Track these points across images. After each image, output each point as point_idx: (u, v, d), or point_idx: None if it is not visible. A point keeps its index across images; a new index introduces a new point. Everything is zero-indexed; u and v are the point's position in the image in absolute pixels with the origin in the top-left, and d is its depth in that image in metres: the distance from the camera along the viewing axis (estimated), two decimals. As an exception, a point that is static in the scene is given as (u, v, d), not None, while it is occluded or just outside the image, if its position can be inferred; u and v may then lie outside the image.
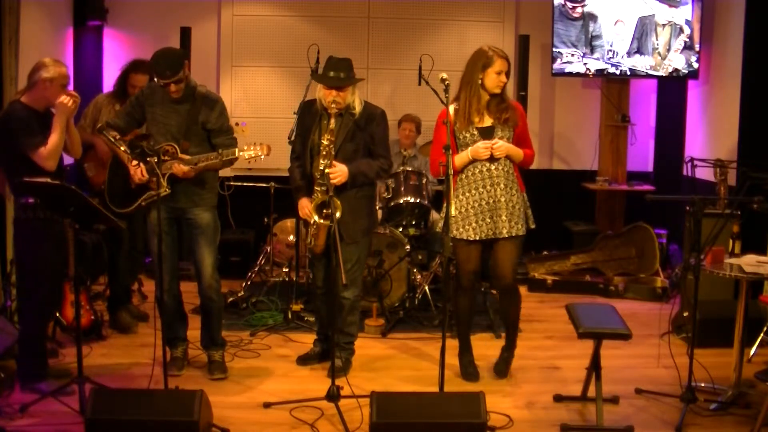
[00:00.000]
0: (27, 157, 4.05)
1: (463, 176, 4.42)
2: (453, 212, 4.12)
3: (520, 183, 4.46)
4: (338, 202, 4.15)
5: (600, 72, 7.03)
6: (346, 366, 4.63)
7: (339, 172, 4.30)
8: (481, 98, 4.35)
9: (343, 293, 4.53)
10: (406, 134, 6.62)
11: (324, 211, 4.30)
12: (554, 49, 6.98)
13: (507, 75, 4.36)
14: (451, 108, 4.37)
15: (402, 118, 6.72)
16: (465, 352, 4.66)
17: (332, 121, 4.28)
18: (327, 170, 4.23)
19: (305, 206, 4.45)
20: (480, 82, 4.32)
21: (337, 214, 4.09)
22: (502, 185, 4.35)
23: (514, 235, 4.38)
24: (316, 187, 4.37)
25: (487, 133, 4.35)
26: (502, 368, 4.65)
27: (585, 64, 7.01)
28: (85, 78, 6.71)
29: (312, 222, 4.38)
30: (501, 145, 4.32)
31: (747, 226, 4.91)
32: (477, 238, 4.38)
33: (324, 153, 4.30)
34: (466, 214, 4.40)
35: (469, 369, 4.61)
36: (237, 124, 6.11)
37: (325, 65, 4.47)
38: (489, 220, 4.37)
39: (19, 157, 4.06)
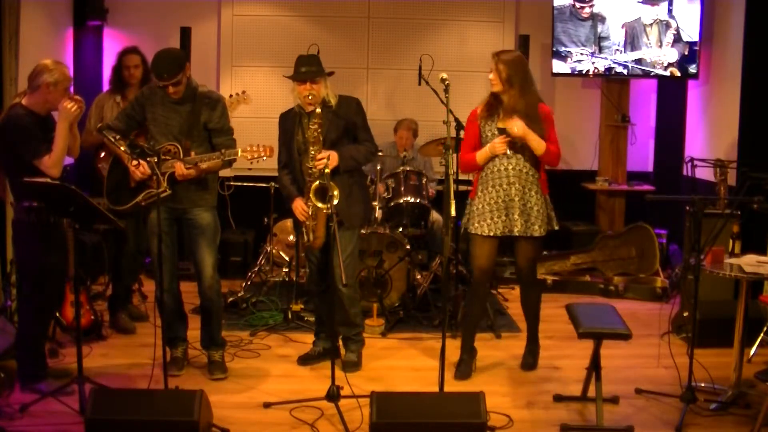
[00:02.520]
0: (30, 164, 4.03)
1: (483, 174, 4.53)
2: (453, 212, 4.12)
3: (543, 185, 4.54)
4: (334, 185, 4.15)
5: (608, 71, 7.02)
6: (359, 359, 4.72)
7: (330, 157, 4.31)
8: (501, 99, 4.44)
9: (339, 286, 4.48)
10: (402, 142, 6.63)
11: (320, 203, 4.33)
12: (564, 48, 6.97)
13: (505, 74, 4.37)
14: (480, 107, 4.53)
15: (397, 125, 6.73)
16: (462, 350, 4.66)
17: (318, 108, 4.34)
18: (316, 159, 4.32)
19: (299, 205, 4.48)
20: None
21: (335, 193, 4.12)
22: (517, 185, 4.43)
23: (528, 235, 4.48)
24: (308, 178, 4.41)
25: (504, 133, 4.44)
26: (530, 361, 4.79)
27: (593, 63, 7.01)
28: (85, 78, 6.70)
29: (310, 213, 4.40)
30: (520, 124, 4.35)
31: (747, 226, 4.91)
32: (491, 234, 4.46)
33: (312, 140, 4.37)
34: (482, 210, 4.49)
35: (460, 367, 4.61)
36: (243, 91, 6.11)
37: (295, 64, 4.55)
38: (505, 218, 4.45)
39: (22, 163, 4.03)
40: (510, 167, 4.44)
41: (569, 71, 7.04)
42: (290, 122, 4.59)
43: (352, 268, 4.65)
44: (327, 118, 4.44)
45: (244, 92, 6.10)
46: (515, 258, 4.65)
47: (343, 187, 4.39)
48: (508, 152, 4.43)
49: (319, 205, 4.34)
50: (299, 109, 4.54)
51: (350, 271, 4.60)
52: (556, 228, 4.65)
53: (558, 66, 7.05)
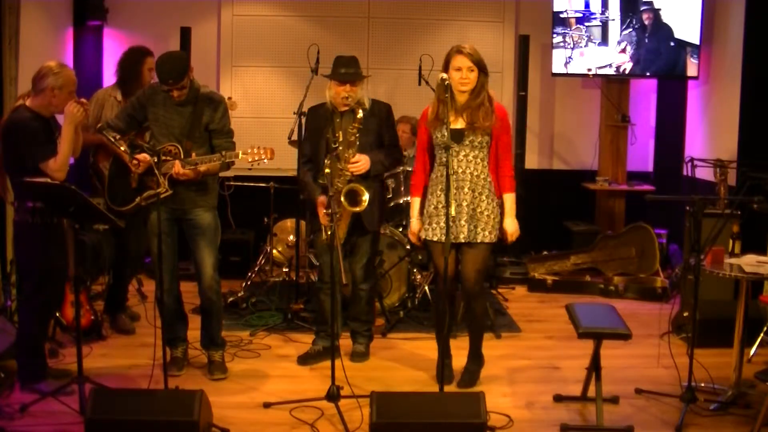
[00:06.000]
0: (34, 166, 4.01)
1: (434, 176, 4.33)
2: (453, 212, 4.10)
3: (496, 189, 4.31)
4: (365, 189, 4.35)
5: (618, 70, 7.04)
6: (367, 350, 4.89)
7: (363, 161, 4.47)
8: (455, 98, 4.21)
9: (360, 285, 4.79)
10: (399, 135, 6.62)
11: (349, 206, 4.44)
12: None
13: (481, 71, 4.20)
14: (430, 107, 4.32)
15: (397, 120, 6.72)
16: (440, 355, 4.37)
17: (359, 111, 4.41)
18: (350, 162, 4.43)
19: (324, 203, 4.50)
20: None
21: (365, 197, 4.29)
22: (466, 189, 4.22)
23: (478, 241, 4.23)
24: (337, 180, 4.45)
25: (456, 136, 4.20)
26: (467, 380, 4.46)
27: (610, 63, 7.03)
28: (85, 78, 6.68)
29: (337, 215, 4.38)
30: (513, 228, 4.31)
31: (747, 226, 4.91)
32: (435, 239, 4.27)
33: (348, 143, 4.45)
34: (429, 214, 4.31)
35: (444, 371, 4.35)
36: (229, 97, 6.05)
37: (334, 63, 4.61)
38: (450, 223, 4.12)
39: (27, 166, 4.01)
40: (460, 171, 4.22)
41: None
42: (321, 118, 4.63)
43: (372, 268, 4.86)
44: (362, 121, 4.50)
45: (230, 98, 6.03)
46: (461, 264, 4.33)
47: (367, 190, 4.48)
48: (456, 147, 4.21)
49: (350, 209, 4.44)
50: (332, 107, 4.58)
51: (370, 272, 4.84)
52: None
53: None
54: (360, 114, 4.40)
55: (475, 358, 4.53)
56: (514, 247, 7.09)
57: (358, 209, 4.45)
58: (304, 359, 4.82)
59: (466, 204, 4.23)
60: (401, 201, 5.92)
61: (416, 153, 4.47)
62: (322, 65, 5.70)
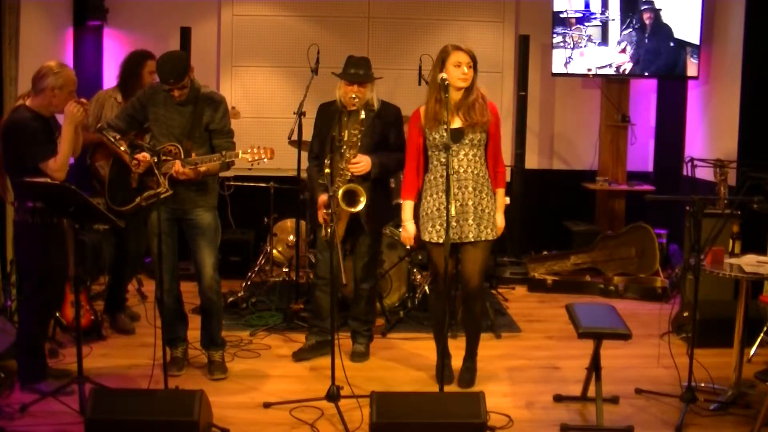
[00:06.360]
0: (34, 166, 4.00)
1: (431, 177, 4.29)
2: (453, 212, 4.09)
3: (494, 185, 4.33)
4: (363, 191, 4.38)
5: (618, 70, 7.05)
6: (367, 350, 4.89)
7: (363, 162, 4.48)
8: (450, 97, 4.11)
9: (362, 285, 4.83)
10: None
11: (347, 207, 4.45)
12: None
13: (474, 69, 4.21)
14: (422, 108, 4.31)
15: None
16: (439, 355, 4.40)
17: (362, 112, 4.43)
18: (351, 162, 4.46)
19: (324, 202, 4.51)
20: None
21: (363, 198, 4.35)
22: (470, 188, 4.22)
23: (482, 239, 4.24)
24: (338, 179, 4.47)
25: (455, 136, 4.18)
26: (467, 378, 4.47)
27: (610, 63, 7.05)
28: (85, 78, 6.69)
29: (336, 215, 4.39)
30: (500, 224, 4.33)
31: (747, 226, 4.91)
32: (441, 240, 4.20)
33: (350, 144, 4.47)
34: (430, 216, 4.27)
35: (444, 371, 4.37)
36: (233, 107, 6.05)
37: (345, 63, 4.66)
38: (455, 224, 4.16)
39: (27, 166, 4.01)
40: (461, 170, 4.20)
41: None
42: (328, 118, 4.66)
43: (372, 268, 4.87)
44: (366, 123, 4.52)
45: (233, 107, 6.04)
46: (462, 264, 4.32)
47: (367, 191, 4.50)
48: (455, 147, 4.17)
49: (347, 209, 4.45)
50: (341, 106, 4.62)
51: (371, 271, 4.85)
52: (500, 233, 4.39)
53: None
54: (362, 116, 4.42)
55: (472, 356, 4.54)
56: (514, 247, 7.11)
57: (354, 210, 4.46)
58: (298, 354, 4.85)
59: (471, 203, 4.23)
60: (401, 201, 5.91)
61: (408, 155, 4.40)
62: (322, 65, 5.70)
